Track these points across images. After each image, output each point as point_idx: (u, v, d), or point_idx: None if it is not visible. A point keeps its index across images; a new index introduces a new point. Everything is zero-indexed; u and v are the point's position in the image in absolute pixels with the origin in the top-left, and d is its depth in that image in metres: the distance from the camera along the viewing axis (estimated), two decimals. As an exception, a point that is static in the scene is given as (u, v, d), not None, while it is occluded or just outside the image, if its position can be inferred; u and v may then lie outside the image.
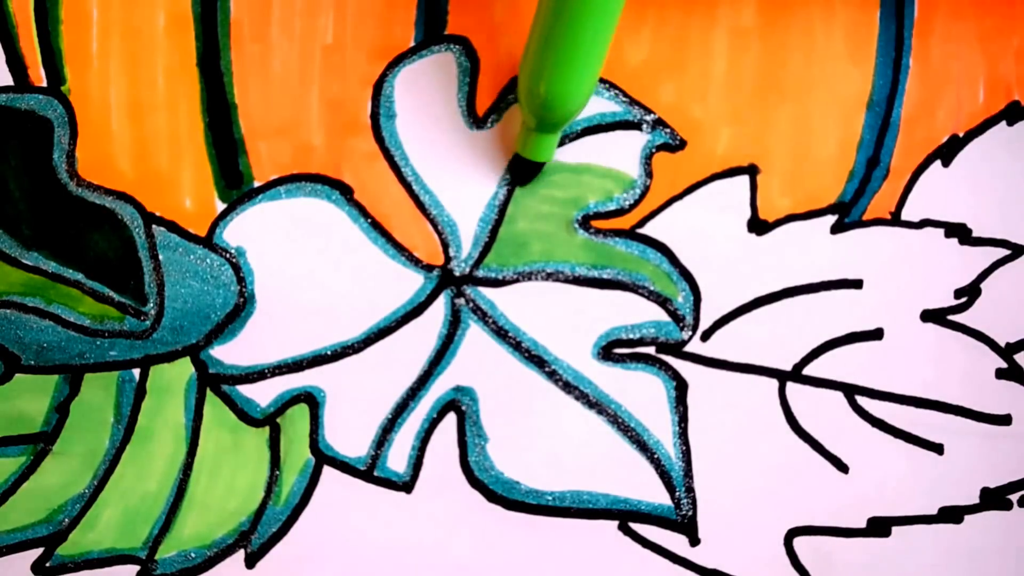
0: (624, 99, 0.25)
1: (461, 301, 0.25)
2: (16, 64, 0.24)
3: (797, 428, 0.26)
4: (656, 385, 0.26)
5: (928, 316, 0.26)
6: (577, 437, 0.26)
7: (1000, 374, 0.26)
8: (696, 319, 0.25)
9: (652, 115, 0.25)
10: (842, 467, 0.26)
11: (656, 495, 0.26)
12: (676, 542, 0.26)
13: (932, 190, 0.25)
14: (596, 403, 0.26)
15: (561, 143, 0.25)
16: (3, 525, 0.25)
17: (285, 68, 0.24)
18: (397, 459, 0.26)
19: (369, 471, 0.26)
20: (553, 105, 0.21)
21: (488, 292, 0.25)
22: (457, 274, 0.25)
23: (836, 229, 0.25)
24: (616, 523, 0.26)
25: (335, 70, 0.24)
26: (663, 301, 0.25)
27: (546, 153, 0.23)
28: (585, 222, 0.25)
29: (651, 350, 0.26)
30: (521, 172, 0.24)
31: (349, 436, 0.26)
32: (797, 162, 0.25)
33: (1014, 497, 0.26)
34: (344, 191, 0.25)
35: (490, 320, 0.25)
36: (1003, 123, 0.25)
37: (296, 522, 0.26)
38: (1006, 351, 0.26)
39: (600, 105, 0.25)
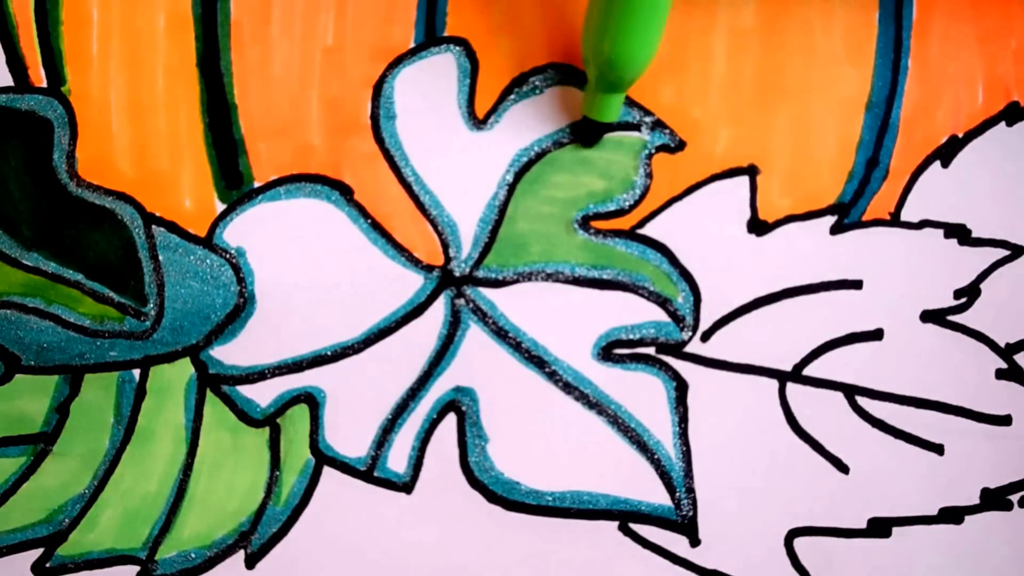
0: (625, 100, 0.24)
1: (461, 302, 0.25)
2: (16, 65, 0.24)
3: (797, 428, 0.25)
4: (656, 386, 0.25)
5: (928, 316, 0.25)
6: (577, 437, 0.25)
7: (1000, 374, 0.26)
8: (696, 320, 0.25)
9: (651, 116, 0.24)
10: (842, 467, 0.25)
11: (656, 496, 0.25)
12: (676, 542, 0.25)
13: (931, 191, 0.25)
14: (596, 403, 0.25)
15: (562, 144, 0.25)
16: (3, 525, 0.25)
17: (285, 69, 0.24)
18: (397, 459, 0.25)
19: (369, 471, 0.25)
20: (617, 64, 0.21)
21: (488, 292, 0.25)
22: (457, 275, 0.25)
23: (836, 230, 0.25)
24: (616, 524, 0.25)
25: (335, 71, 0.24)
26: (663, 302, 0.25)
27: (612, 113, 0.23)
28: (585, 222, 0.25)
29: (651, 351, 0.25)
30: (587, 133, 0.24)
31: (349, 436, 0.25)
32: (797, 163, 0.25)
33: (1015, 498, 0.26)
34: (344, 191, 0.25)
35: (490, 321, 0.25)
36: (1002, 124, 0.25)
37: (296, 522, 0.25)
38: (1006, 351, 0.26)
39: (600, 105, 0.24)
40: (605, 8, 0.21)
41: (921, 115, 0.25)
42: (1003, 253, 0.25)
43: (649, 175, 0.25)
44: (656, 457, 0.25)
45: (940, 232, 0.25)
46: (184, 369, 0.25)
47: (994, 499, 0.26)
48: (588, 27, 0.22)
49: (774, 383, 0.25)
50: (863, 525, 0.25)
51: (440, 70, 0.24)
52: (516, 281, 0.25)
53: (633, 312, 0.25)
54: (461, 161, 0.24)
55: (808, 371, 0.25)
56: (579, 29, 0.24)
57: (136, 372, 0.25)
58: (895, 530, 0.26)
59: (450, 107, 0.24)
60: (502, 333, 0.25)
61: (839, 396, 0.25)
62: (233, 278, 0.25)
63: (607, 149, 0.25)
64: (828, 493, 0.25)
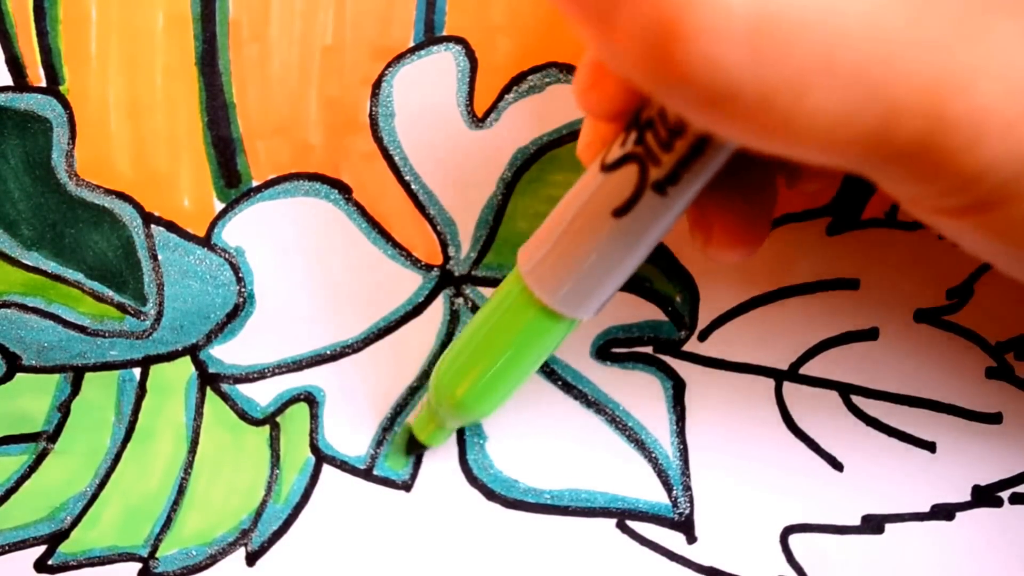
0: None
1: (460, 301, 0.24)
2: (15, 64, 0.23)
3: (793, 427, 0.24)
4: (654, 384, 0.24)
5: (922, 316, 0.24)
6: (575, 436, 0.24)
7: (990, 373, 0.24)
8: (694, 319, 0.24)
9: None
10: (837, 465, 0.24)
11: (654, 494, 0.24)
12: (673, 540, 0.24)
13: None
14: (594, 402, 0.24)
15: (561, 142, 0.23)
16: (5, 523, 0.24)
17: (284, 68, 0.23)
18: (397, 458, 0.24)
19: (369, 470, 0.24)
20: (464, 411, 0.21)
21: (487, 292, 0.24)
22: (456, 274, 0.24)
23: (832, 229, 0.24)
24: (614, 521, 0.24)
25: (334, 69, 0.23)
26: (661, 301, 0.24)
27: (440, 441, 0.23)
28: (583, 222, 0.23)
29: (649, 350, 0.24)
30: (412, 448, 0.24)
31: (349, 435, 0.24)
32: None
33: (1004, 494, 0.25)
34: (343, 190, 0.23)
35: (489, 320, 0.24)
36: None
37: (296, 520, 0.24)
38: (996, 350, 0.24)
39: (599, 104, 0.23)
40: (473, 354, 0.20)
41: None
42: (994, 253, 0.24)
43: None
44: (653, 455, 0.24)
45: (935, 232, 0.24)
46: (184, 368, 0.24)
47: (985, 496, 0.25)
48: (445, 363, 0.20)
49: (770, 382, 0.24)
50: (857, 522, 0.24)
51: (439, 69, 0.23)
52: (515, 281, 0.24)
53: (631, 311, 0.24)
54: (460, 160, 0.23)
55: (804, 370, 0.24)
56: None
57: (136, 371, 0.24)
58: (888, 527, 0.24)
59: (449, 106, 0.23)
60: (501, 332, 0.24)
61: (834, 395, 0.24)
62: (232, 277, 0.24)
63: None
64: (823, 490, 0.24)
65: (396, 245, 0.24)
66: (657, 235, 0.17)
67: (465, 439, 0.24)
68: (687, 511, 0.24)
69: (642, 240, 0.16)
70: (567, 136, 0.23)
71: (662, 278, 0.24)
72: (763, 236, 0.18)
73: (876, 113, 0.11)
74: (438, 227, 0.24)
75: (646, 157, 0.15)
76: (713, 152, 0.15)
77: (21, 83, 0.22)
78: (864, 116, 0.11)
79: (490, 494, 0.24)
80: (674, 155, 0.15)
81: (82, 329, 0.24)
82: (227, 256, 0.23)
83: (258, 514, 0.24)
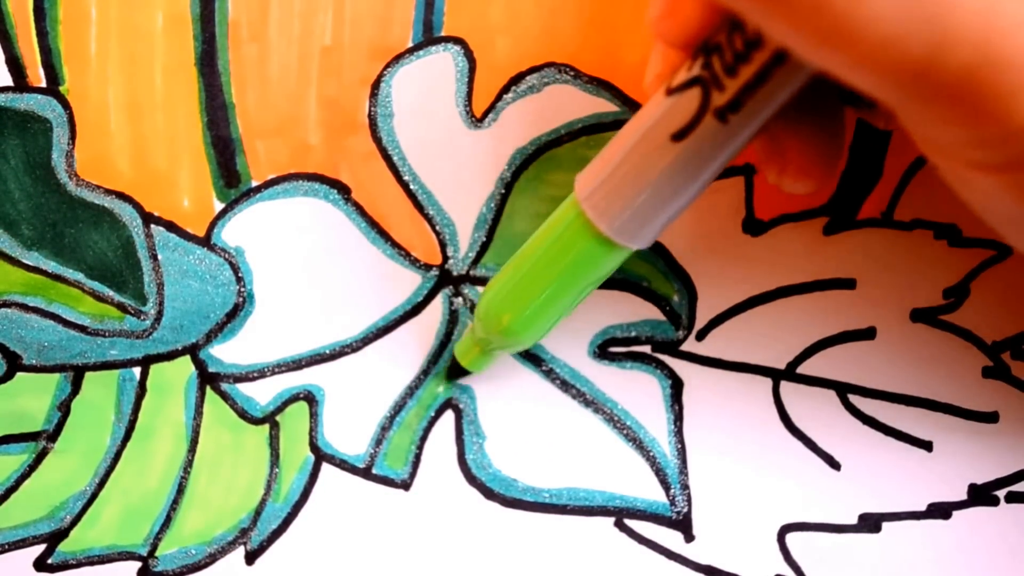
0: (623, 99, 0.23)
1: (459, 300, 0.24)
2: (15, 64, 0.22)
3: (790, 426, 0.24)
4: (652, 384, 0.24)
5: (918, 316, 0.24)
6: (574, 435, 0.24)
7: (987, 372, 0.24)
8: (692, 318, 0.24)
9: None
10: (834, 464, 0.24)
11: (652, 492, 0.24)
12: (671, 539, 0.24)
13: (923, 191, 0.24)
14: (592, 401, 0.24)
15: (560, 142, 0.23)
16: (5, 522, 0.24)
17: (283, 68, 0.23)
18: (395, 457, 0.24)
19: (368, 469, 0.24)
20: (510, 338, 0.20)
21: (486, 291, 0.24)
22: (455, 274, 0.24)
23: (829, 229, 0.24)
24: (612, 520, 0.24)
25: (333, 70, 0.23)
26: (659, 300, 0.24)
27: (483, 366, 0.23)
28: (582, 222, 0.23)
29: (647, 349, 0.24)
30: (454, 372, 0.23)
31: (348, 434, 0.24)
32: (792, 163, 0.23)
33: (1001, 493, 0.25)
34: (342, 190, 0.23)
35: (488, 319, 0.24)
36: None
37: (295, 519, 0.24)
38: (992, 349, 0.24)
39: (599, 105, 0.23)
40: (522, 280, 0.19)
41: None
42: (991, 254, 0.24)
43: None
44: (652, 454, 0.24)
45: (931, 233, 0.24)
46: (184, 367, 0.24)
47: (981, 495, 0.25)
48: (492, 290, 0.20)
49: (768, 381, 0.24)
50: (854, 520, 0.24)
51: (438, 69, 0.23)
52: (513, 280, 0.24)
53: (629, 311, 0.24)
54: (459, 160, 0.23)
55: (801, 369, 0.24)
56: (577, 28, 0.23)
57: (136, 370, 0.24)
58: (885, 525, 0.24)
59: (448, 106, 0.23)
60: (499, 332, 0.24)
61: (831, 394, 0.24)
62: (232, 277, 0.23)
63: (605, 148, 0.23)
64: (820, 489, 0.24)
65: (395, 245, 0.24)
66: (715, 166, 0.16)
67: (464, 438, 0.24)
68: (685, 510, 0.24)
69: (699, 169, 0.16)
70: (566, 136, 0.23)
71: (660, 278, 0.24)
72: (835, 168, 0.17)
73: (928, 37, 0.11)
74: (437, 227, 0.23)
75: (710, 81, 0.15)
76: (777, 82, 0.15)
77: (21, 83, 0.22)
78: (917, 36, 0.11)
79: (489, 493, 0.24)
80: (738, 81, 0.15)
81: (82, 329, 0.23)
82: (227, 256, 0.23)
83: (257, 513, 0.24)
